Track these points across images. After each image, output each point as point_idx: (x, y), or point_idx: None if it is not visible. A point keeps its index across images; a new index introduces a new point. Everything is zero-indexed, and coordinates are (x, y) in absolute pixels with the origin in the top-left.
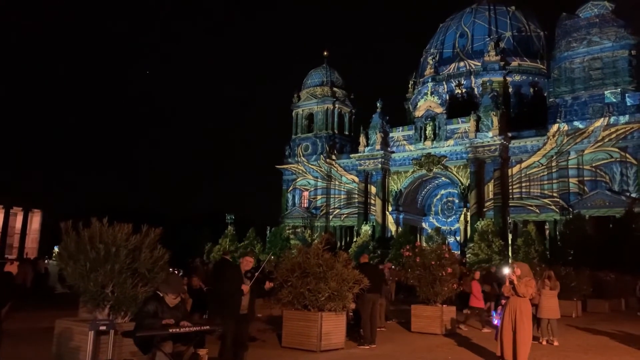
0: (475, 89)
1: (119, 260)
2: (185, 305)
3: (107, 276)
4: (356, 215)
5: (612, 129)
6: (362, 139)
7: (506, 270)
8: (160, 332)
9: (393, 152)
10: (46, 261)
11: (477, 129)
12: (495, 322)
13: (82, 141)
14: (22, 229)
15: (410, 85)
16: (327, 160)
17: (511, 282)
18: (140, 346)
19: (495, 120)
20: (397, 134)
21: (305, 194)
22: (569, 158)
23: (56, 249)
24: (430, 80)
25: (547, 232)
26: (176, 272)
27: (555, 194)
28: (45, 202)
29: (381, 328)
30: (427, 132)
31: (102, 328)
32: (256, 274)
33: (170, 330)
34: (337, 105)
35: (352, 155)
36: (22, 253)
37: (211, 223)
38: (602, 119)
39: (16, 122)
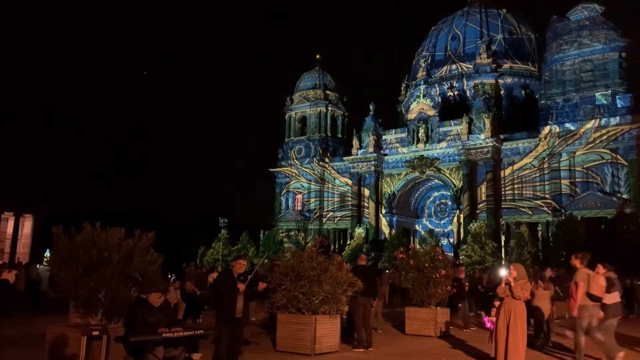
0: (467, 92)
1: (112, 265)
2: (170, 305)
3: (100, 281)
4: (350, 218)
5: (603, 131)
6: (355, 142)
7: (503, 272)
8: (153, 337)
9: (386, 154)
10: (38, 266)
11: (470, 131)
12: (489, 324)
13: (73, 145)
14: (13, 234)
15: (402, 88)
16: (321, 163)
17: (507, 284)
18: (132, 352)
19: (487, 122)
20: (390, 136)
21: (299, 197)
22: (561, 160)
23: (47, 253)
24: (422, 83)
25: (540, 233)
26: (169, 276)
27: (547, 196)
28: (37, 207)
29: (377, 330)
30: (419, 134)
31: (95, 333)
32: (249, 276)
33: (164, 335)
34: (330, 108)
35: (345, 158)
36: (14, 258)
37: (204, 227)
38: (593, 120)
39: (5, 126)
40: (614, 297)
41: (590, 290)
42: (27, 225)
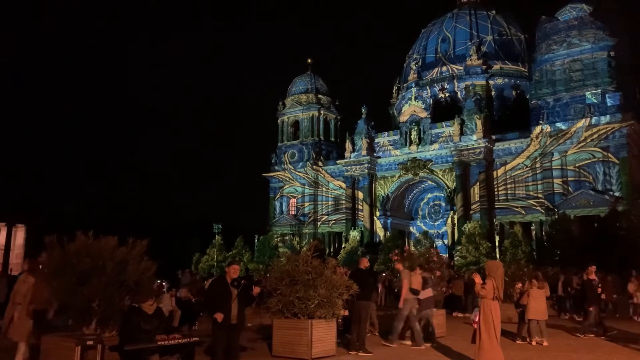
0: (459, 93)
1: (106, 273)
2: (163, 312)
3: (94, 290)
4: (344, 221)
5: (594, 129)
6: (348, 145)
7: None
8: (148, 345)
9: (379, 157)
10: None
11: (462, 133)
12: (475, 324)
13: (65, 154)
14: (5, 245)
15: (394, 91)
16: (314, 167)
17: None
18: None
19: (479, 123)
20: (383, 139)
21: (293, 201)
22: (553, 159)
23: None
24: (413, 85)
25: (534, 233)
26: (163, 283)
27: (540, 195)
28: (30, 217)
29: (374, 333)
30: (412, 136)
31: (90, 343)
32: (242, 281)
33: (159, 343)
34: (322, 112)
35: (338, 162)
36: (7, 269)
37: (199, 233)
38: (584, 119)
39: None
40: (427, 293)
41: (411, 286)
42: (19, 236)
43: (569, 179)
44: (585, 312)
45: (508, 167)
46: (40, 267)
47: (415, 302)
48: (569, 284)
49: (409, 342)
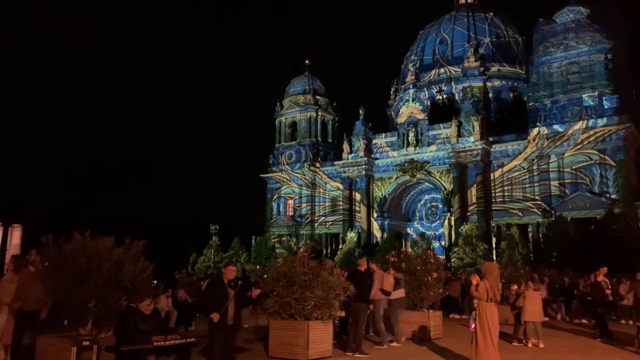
0: (456, 95)
1: (102, 273)
2: (159, 312)
3: (90, 290)
4: (341, 223)
5: (591, 132)
6: (346, 146)
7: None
8: (144, 346)
9: (376, 158)
10: None
11: (459, 134)
12: (472, 327)
13: (62, 153)
14: (1, 245)
15: (392, 92)
16: (311, 168)
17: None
18: None
19: (477, 125)
20: (380, 140)
21: (290, 202)
22: (550, 161)
23: None
24: (411, 86)
25: (530, 234)
26: (159, 284)
27: (537, 197)
28: (26, 217)
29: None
30: (409, 138)
31: (86, 344)
32: (239, 282)
33: (155, 344)
34: (320, 113)
35: (336, 163)
36: (2, 269)
37: (196, 233)
38: (581, 122)
39: None
40: (399, 293)
41: (383, 287)
42: (15, 235)
43: (566, 181)
44: (595, 315)
45: (505, 169)
46: (30, 265)
47: (385, 303)
48: (576, 286)
49: (394, 344)
